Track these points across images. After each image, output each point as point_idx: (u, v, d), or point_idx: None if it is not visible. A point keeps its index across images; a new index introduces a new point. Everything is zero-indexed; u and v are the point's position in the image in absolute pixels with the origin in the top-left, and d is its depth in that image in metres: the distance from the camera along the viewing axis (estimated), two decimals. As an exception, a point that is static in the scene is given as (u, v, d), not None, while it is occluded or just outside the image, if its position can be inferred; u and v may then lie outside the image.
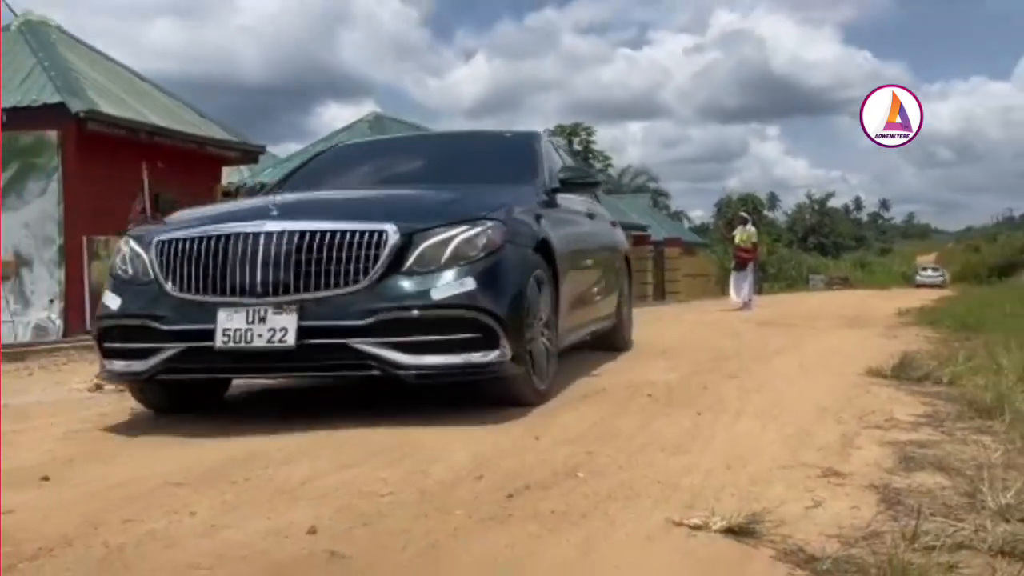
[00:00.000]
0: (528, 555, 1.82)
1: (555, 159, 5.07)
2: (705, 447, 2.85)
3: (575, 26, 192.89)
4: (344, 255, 3.16)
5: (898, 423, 3.24)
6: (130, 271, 3.47)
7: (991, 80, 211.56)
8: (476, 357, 3.20)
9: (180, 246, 3.33)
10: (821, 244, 71.15)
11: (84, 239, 10.54)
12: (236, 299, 3.16)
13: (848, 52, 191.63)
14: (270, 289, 3.15)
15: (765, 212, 66.64)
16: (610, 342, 5.91)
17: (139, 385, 3.57)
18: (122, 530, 2.01)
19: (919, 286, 41.15)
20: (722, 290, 16.68)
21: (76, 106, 10.47)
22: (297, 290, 3.13)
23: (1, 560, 1.81)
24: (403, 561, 1.79)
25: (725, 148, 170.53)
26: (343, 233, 3.19)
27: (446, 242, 3.27)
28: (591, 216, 5.38)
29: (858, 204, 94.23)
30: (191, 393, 3.72)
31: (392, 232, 3.21)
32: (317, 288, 3.14)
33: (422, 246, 3.24)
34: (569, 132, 58.98)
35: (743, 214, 17.28)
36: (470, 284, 3.20)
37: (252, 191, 5.48)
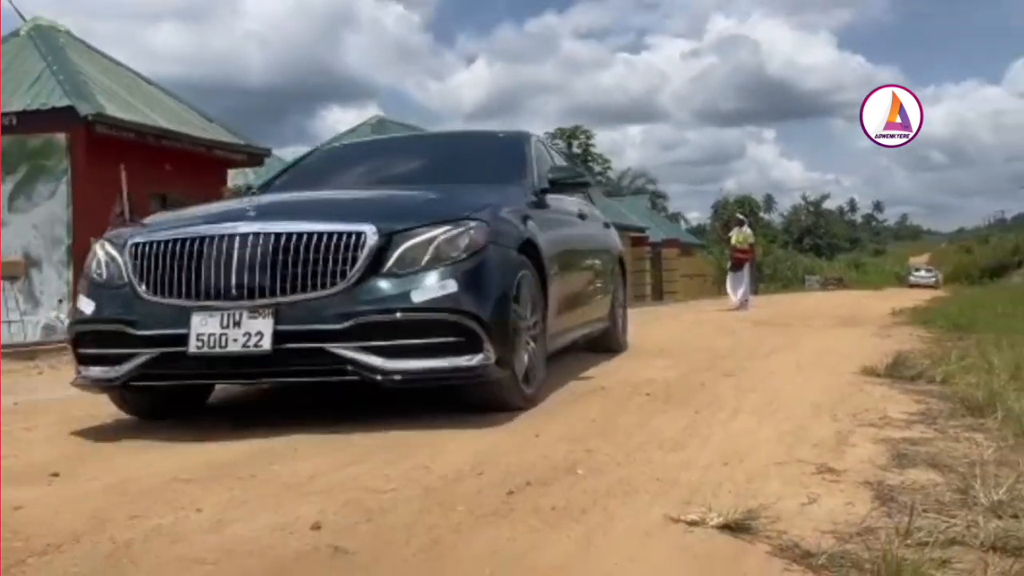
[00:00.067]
0: (529, 550, 1.82)
1: (546, 160, 4.92)
2: (702, 444, 2.85)
3: (574, 31, 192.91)
4: (321, 257, 3.03)
5: (892, 421, 3.24)
6: (104, 275, 3.34)
7: (983, 84, 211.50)
8: (459, 361, 3.06)
9: (154, 249, 3.19)
10: (816, 245, 71.15)
11: (92, 240, 10.53)
12: (210, 303, 3.03)
13: (842, 57, 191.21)
14: (245, 292, 3.02)
15: (761, 214, 66.66)
16: (604, 344, 5.77)
17: (116, 391, 3.41)
18: (130, 526, 2.01)
19: (912, 286, 41.12)
20: (719, 290, 16.67)
21: (84, 109, 10.48)
22: (273, 293, 3.01)
23: (1, 559, 1.81)
24: (406, 556, 1.79)
25: (722, 151, 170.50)
26: (320, 234, 3.06)
27: (427, 243, 3.13)
28: (583, 217, 5.24)
29: (852, 206, 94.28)
30: (171, 398, 3.57)
31: (371, 233, 3.07)
32: (293, 291, 3.01)
33: (402, 247, 3.10)
34: (569, 135, 59.00)
35: (739, 216, 17.28)
36: (452, 286, 3.07)
37: (238, 194, 5.17)
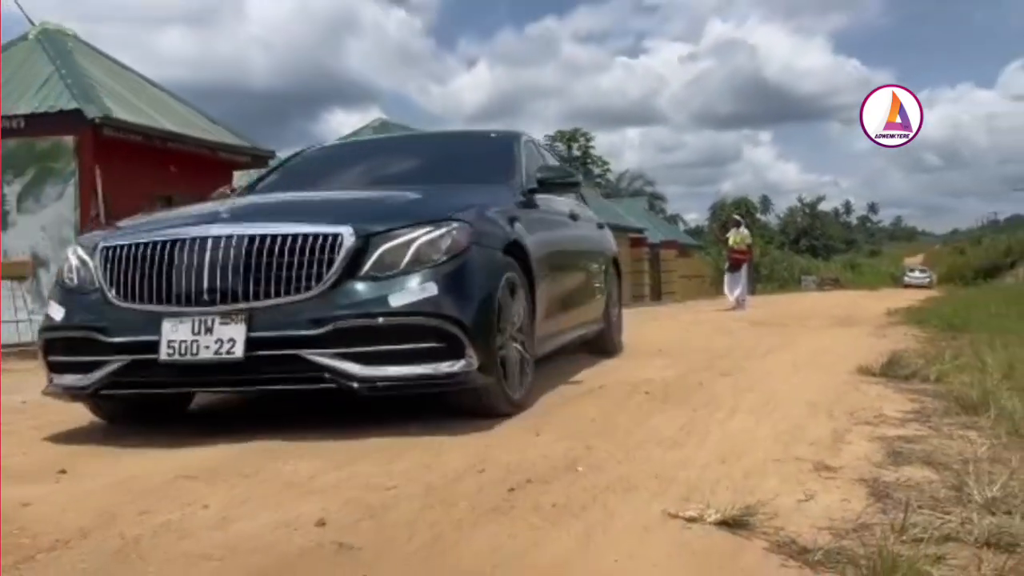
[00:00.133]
0: (530, 546, 1.82)
1: (536, 160, 4.76)
2: (701, 442, 2.85)
3: (574, 35, 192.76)
4: (296, 260, 2.89)
5: (887, 419, 3.24)
6: (75, 280, 3.21)
7: (977, 88, 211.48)
8: (440, 367, 2.92)
9: (124, 253, 3.06)
10: (812, 246, 71.10)
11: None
12: (182, 308, 2.91)
13: (838, 61, 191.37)
14: (217, 297, 2.89)
15: (758, 215, 66.57)
16: (599, 347, 5.62)
17: (87, 398, 3.28)
18: (137, 522, 2.02)
19: (907, 287, 41.08)
20: (717, 291, 16.70)
21: (92, 112, 10.49)
22: (246, 298, 2.87)
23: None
24: (409, 552, 1.80)
25: (719, 153, 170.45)
26: (295, 237, 2.92)
27: (406, 245, 2.99)
28: (574, 217, 5.08)
29: (848, 208, 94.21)
30: (146, 405, 3.44)
31: (348, 235, 2.93)
32: (267, 296, 2.88)
33: (380, 249, 2.96)
34: (568, 138, 59.11)
35: (737, 217, 17.28)
36: (432, 289, 2.93)
37: (222, 196, 4.80)
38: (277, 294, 2.88)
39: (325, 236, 2.93)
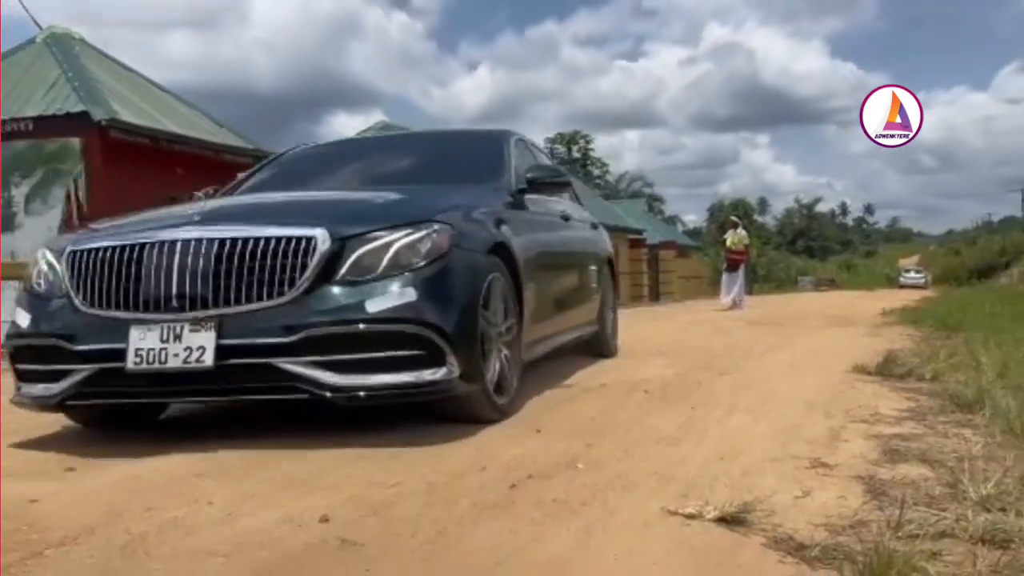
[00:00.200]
0: (531, 541, 1.82)
1: (527, 160, 4.57)
2: (699, 440, 2.85)
3: (574, 39, 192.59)
4: (268, 264, 2.74)
5: (883, 417, 3.24)
6: (43, 285, 3.05)
7: (972, 91, 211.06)
8: (421, 376, 2.76)
9: (91, 257, 2.90)
10: (809, 247, 71.17)
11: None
12: (150, 315, 2.75)
13: (834, 64, 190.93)
14: (186, 304, 2.73)
15: (755, 216, 66.60)
16: (593, 350, 5.43)
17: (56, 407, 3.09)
18: (144, 518, 2.02)
19: (902, 287, 41.06)
20: (715, 291, 16.70)
21: (99, 115, 10.51)
22: (216, 304, 2.72)
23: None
24: (412, 547, 1.80)
25: (717, 155, 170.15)
26: (267, 240, 2.76)
27: (384, 248, 2.83)
28: (566, 218, 4.89)
29: (844, 209, 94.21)
30: (118, 412, 3.27)
31: (322, 238, 2.77)
32: (238, 302, 2.72)
33: (357, 253, 2.80)
34: (568, 140, 59.18)
35: (734, 218, 17.27)
36: (411, 294, 2.77)
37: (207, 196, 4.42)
38: (248, 300, 2.73)
39: (298, 239, 2.77)
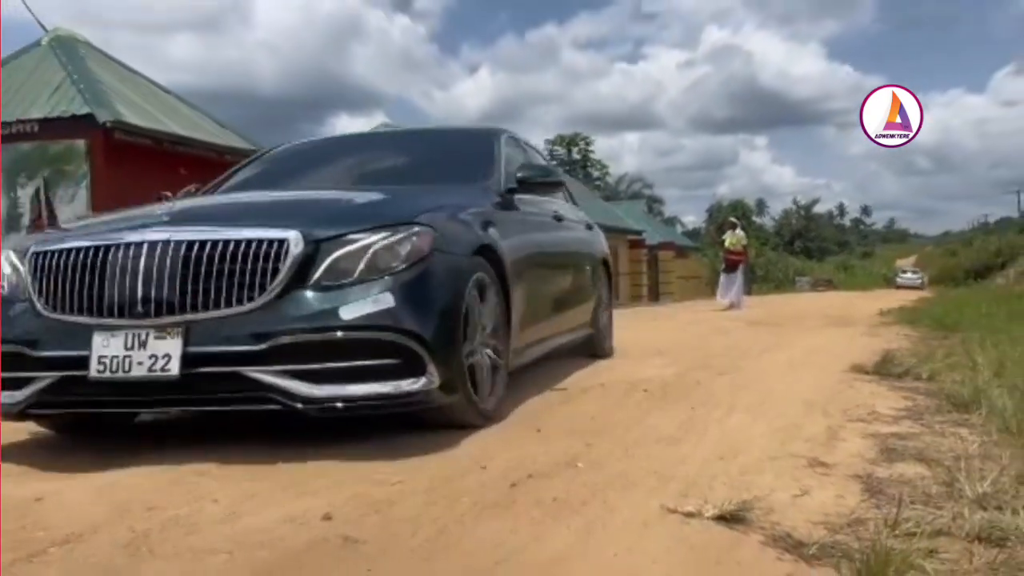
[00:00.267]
0: (531, 540, 1.82)
1: (518, 159, 4.38)
2: (699, 439, 2.84)
3: (574, 42, 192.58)
4: (237, 268, 2.58)
5: (880, 416, 3.24)
6: (7, 288, 2.88)
7: (968, 93, 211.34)
8: (399, 386, 2.60)
9: (54, 259, 2.74)
10: (807, 248, 71.13)
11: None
12: (114, 321, 2.60)
13: (831, 66, 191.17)
14: (152, 309, 2.57)
15: (754, 217, 66.58)
16: (587, 352, 5.29)
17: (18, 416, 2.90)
18: (147, 516, 2.02)
19: (899, 288, 41.05)
20: (714, 291, 16.69)
21: (103, 116, 10.52)
22: (183, 310, 2.56)
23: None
24: (414, 546, 1.80)
25: (716, 157, 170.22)
26: (237, 242, 2.61)
27: (361, 251, 2.67)
28: (559, 219, 4.70)
29: (841, 210, 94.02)
30: (86, 418, 3.14)
31: (295, 240, 2.61)
32: (206, 307, 2.56)
33: (332, 256, 2.64)
34: (569, 142, 59.19)
35: (733, 219, 17.25)
36: (388, 300, 2.61)
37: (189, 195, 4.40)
38: (217, 306, 2.57)
39: (270, 242, 2.62)
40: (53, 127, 10.76)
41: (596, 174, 59.66)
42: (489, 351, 3.17)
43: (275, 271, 2.59)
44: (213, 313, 2.57)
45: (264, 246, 2.61)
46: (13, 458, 2.78)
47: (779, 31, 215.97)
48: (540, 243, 4.18)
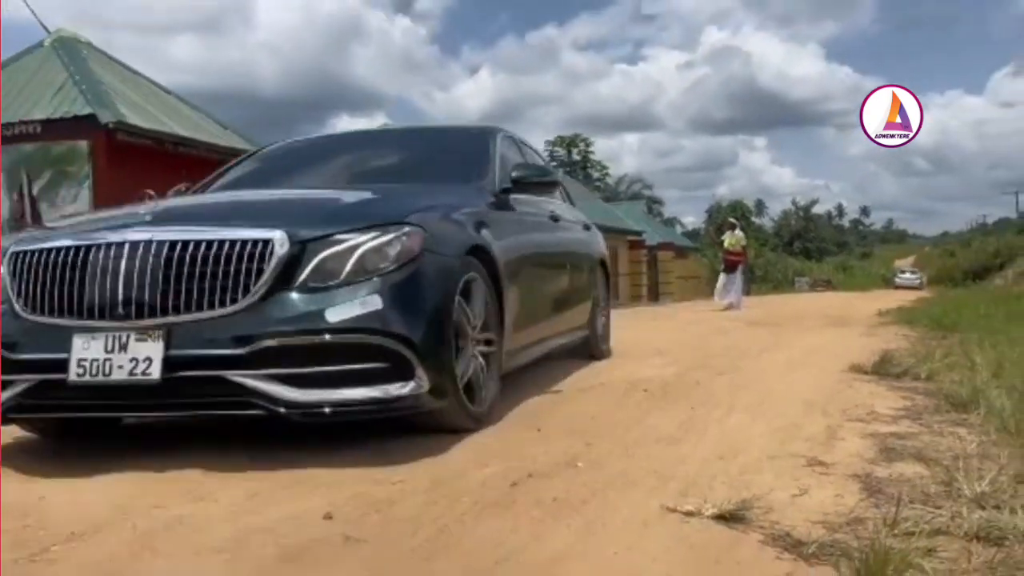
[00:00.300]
0: (531, 539, 1.82)
1: (513, 158, 4.29)
2: (698, 439, 2.84)
3: (574, 43, 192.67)
4: (221, 269, 2.50)
5: (879, 416, 3.24)
6: None
7: (966, 94, 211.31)
8: (385, 391, 2.52)
9: (34, 259, 2.67)
10: (806, 248, 71.02)
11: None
12: (94, 323, 2.52)
13: (830, 68, 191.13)
14: (132, 311, 2.49)
15: (753, 218, 66.42)
16: (584, 353, 5.19)
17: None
18: (150, 515, 2.02)
19: (898, 288, 41.02)
20: (713, 291, 16.68)
21: (106, 117, 10.52)
22: (164, 312, 2.48)
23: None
24: (414, 544, 1.80)
25: (715, 158, 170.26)
26: (221, 242, 2.53)
27: (349, 251, 2.58)
28: (555, 219, 4.61)
29: (840, 211, 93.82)
30: (72, 421, 3.03)
31: (280, 240, 2.53)
32: (188, 309, 2.48)
33: (319, 257, 2.56)
34: (569, 143, 59.15)
35: (732, 220, 17.24)
36: (376, 303, 2.53)
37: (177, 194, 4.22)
38: (199, 308, 2.49)
39: (254, 242, 2.53)
40: (55, 128, 10.77)
41: (596, 175, 59.63)
42: (481, 354, 3.09)
43: (259, 272, 2.51)
44: (196, 315, 2.50)
45: (248, 246, 2.53)
46: (14, 457, 2.78)
47: (778, 32, 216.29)
48: (535, 244, 4.10)
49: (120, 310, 2.51)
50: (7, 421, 2.78)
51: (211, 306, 2.49)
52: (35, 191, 10.86)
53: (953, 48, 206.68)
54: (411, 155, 4.35)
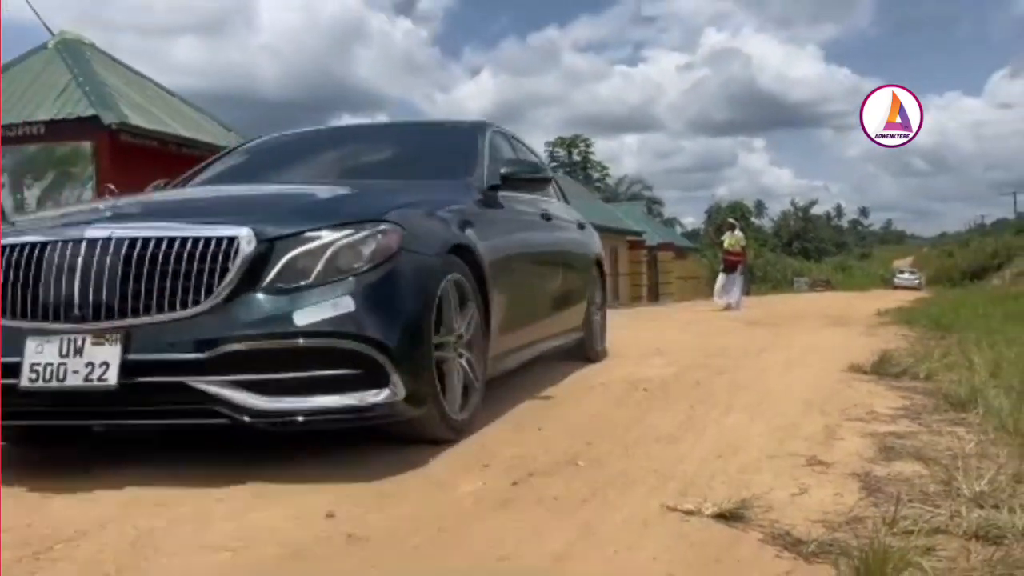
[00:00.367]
0: (532, 538, 1.82)
1: (504, 155, 4.11)
2: (698, 438, 2.84)
3: (574, 45, 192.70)
4: (183, 269, 2.33)
5: (878, 415, 3.24)
6: None
7: (964, 96, 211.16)
8: (361, 398, 2.36)
9: None
10: (805, 249, 71.01)
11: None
12: (48, 325, 2.35)
13: (829, 69, 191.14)
14: (89, 313, 2.33)
15: (752, 219, 66.39)
16: (579, 355, 5.04)
17: None
18: (154, 514, 2.02)
19: (896, 288, 41.00)
20: (712, 291, 16.68)
21: (109, 119, 10.54)
22: (123, 314, 2.32)
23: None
24: (416, 543, 1.80)
25: (715, 159, 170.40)
26: (184, 240, 2.36)
27: (320, 250, 2.41)
28: (547, 218, 4.39)
29: (839, 211, 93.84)
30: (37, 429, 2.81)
31: (247, 238, 2.36)
32: (148, 311, 2.32)
33: (288, 256, 2.39)
34: (569, 144, 59.13)
35: (731, 220, 17.23)
36: (348, 304, 2.36)
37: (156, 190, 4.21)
38: (160, 309, 2.33)
39: (219, 240, 2.37)
40: (59, 129, 10.78)
41: (596, 176, 59.61)
42: (464, 359, 2.93)
43: (224, 271, 2.34)
44: (156, 317, 2.33)
45: (212, 244, 2.37)
46: (16, 457, 2.78)
47: (777, 34, 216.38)
48: (525, 243, 3.91)
49: (76, 311, 2.35)
50: None
51: (172, 308, 2.33)
52: (35, 191, 10.87)
53: (951, 50, 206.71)
54: (397, 150, 4.19)
